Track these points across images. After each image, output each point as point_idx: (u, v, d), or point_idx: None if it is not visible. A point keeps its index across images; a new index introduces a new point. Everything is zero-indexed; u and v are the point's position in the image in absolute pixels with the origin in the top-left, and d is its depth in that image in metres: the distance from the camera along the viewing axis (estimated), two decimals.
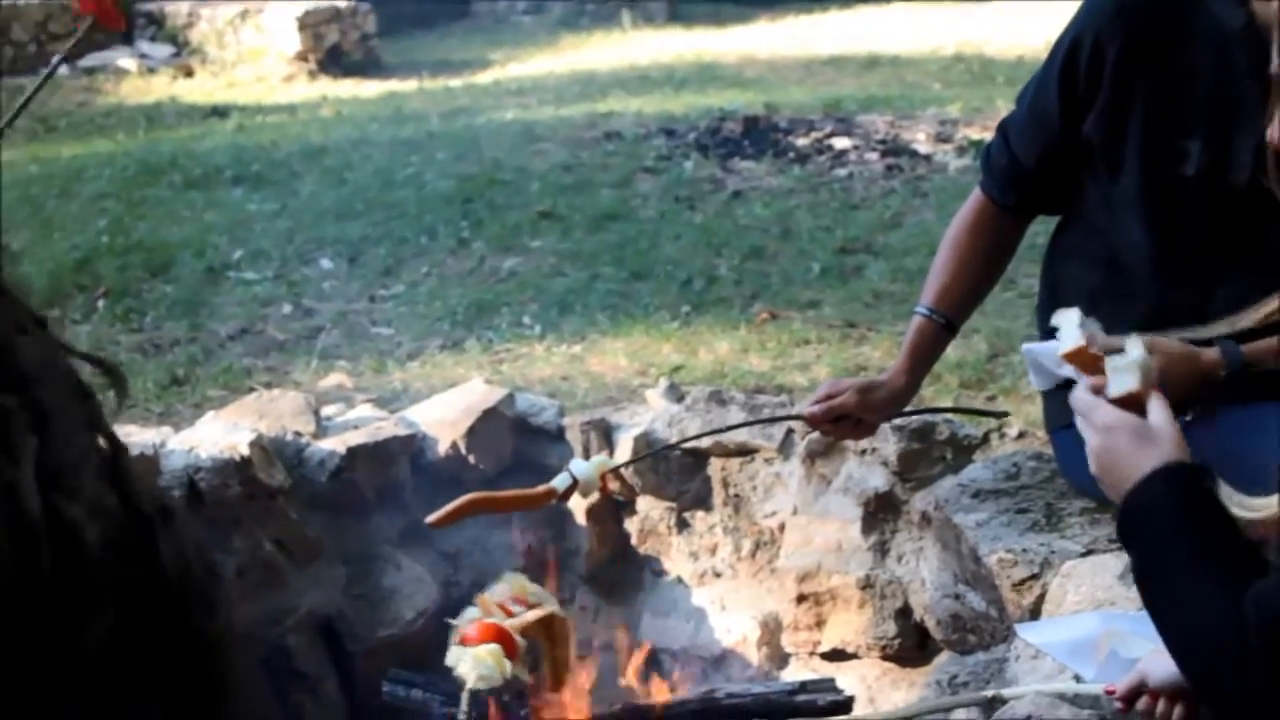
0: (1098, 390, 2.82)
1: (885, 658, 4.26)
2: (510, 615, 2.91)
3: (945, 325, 3.60)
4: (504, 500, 3.51)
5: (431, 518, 3.34)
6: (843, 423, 3.62)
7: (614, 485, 4.59)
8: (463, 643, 2.84)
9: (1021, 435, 4.62)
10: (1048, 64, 3.35)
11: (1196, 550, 1.99)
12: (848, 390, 3.58)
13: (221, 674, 1.03)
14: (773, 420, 4.37)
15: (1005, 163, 3.50)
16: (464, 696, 2.78)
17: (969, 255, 3.60)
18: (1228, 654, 1.89)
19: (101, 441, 0.98)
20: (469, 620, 2.93)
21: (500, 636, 2.81)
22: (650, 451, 4.40)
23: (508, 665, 2.80)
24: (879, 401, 3.60)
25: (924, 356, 3.64)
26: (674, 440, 4.46)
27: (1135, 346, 2.32)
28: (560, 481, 3.40)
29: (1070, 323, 2.78)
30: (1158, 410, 2.17)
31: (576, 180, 8.91)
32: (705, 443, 4.47)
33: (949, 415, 4.39)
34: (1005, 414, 4.44)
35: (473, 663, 2.76)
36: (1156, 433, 2.11)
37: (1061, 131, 3.32)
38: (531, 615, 2.94)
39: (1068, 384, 3.05)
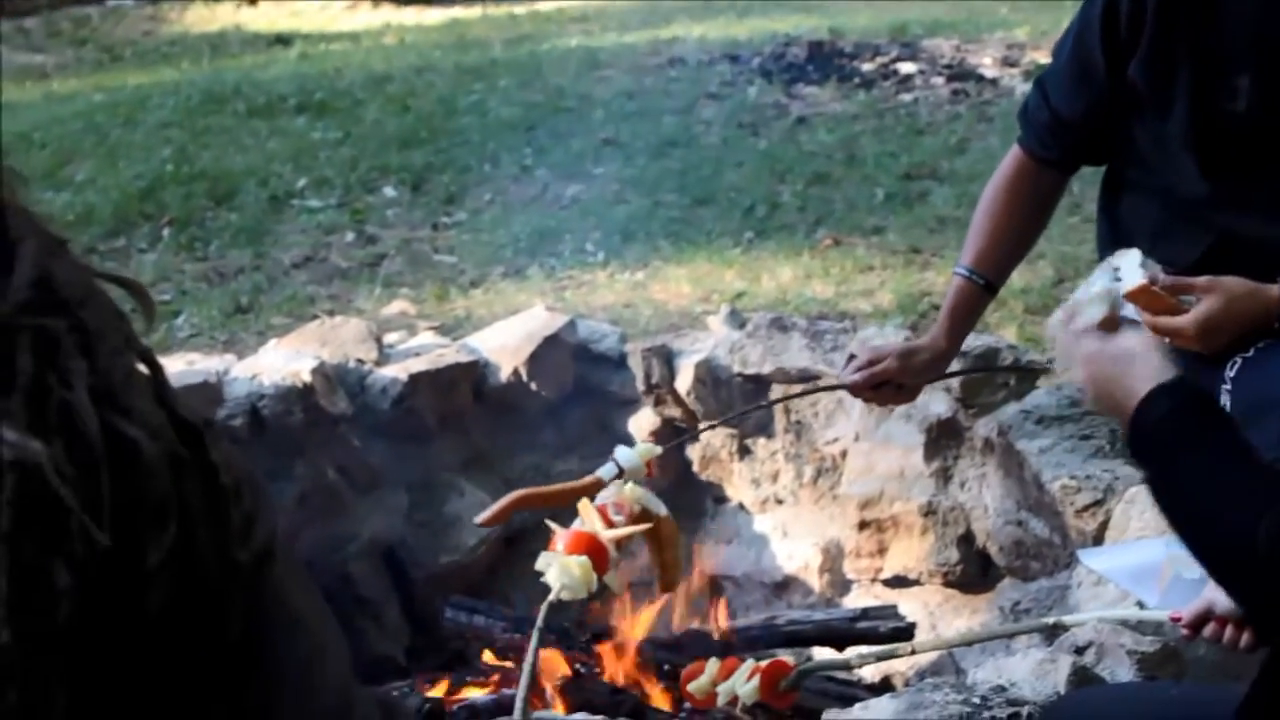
0: (1156, 330, 2.80)
1: (947, 584, 4.25)
2: (610, 525, 2.88)
3: (985, 286, 3.57)
4: (551, 495, 3.49)
5: (480, 517, 3.33)
6: (884, 389, 3.60)
7: (676, 413, 4.58)
8: (555, 549, 2.82)
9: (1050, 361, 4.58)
10: (1084, 13, 3.30)
11: (1209, 461, 1.98)
12: (888, 356, 3.55)
13: (278, 588, 1.03)
14: (814, 391, 4.34)
15: (1046, 117, 3.45)
16: (545, 604, 2.77)
17: (1008, 215, 3.55)
18: (1250, 562, 1.88)
19: (140, 362, 0.98)
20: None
21: (592, 548, 2.79)
22: (696, 430, 4.40)
23: (594, 579, 2.78)
24: (920, 366, 3.58)
25: (964, 318, 3.61)
26: (735, 370, 4.45)
27: (1102, 277, 2.30)
28: (606, 471, 3.38)
29: (1132, 262, 2.75)
30: (1130, 335, 2.15)
31: (639, 107, 8.86)
32: (767, 369, 4.45)
33: (1012, 343, 4.35)
34: (1048, 369, 4.38)
35: (559, 571, 2.75)
36: (1140, 354, 2.10)
37: (1106, 79, 3.26)
38: (630, 529, 2.92)
39: None
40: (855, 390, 3.60)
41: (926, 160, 7.61)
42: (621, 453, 3.44)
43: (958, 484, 4.16)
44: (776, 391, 4.49)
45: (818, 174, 7.46)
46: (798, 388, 4.37)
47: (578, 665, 3.56)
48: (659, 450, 3.63)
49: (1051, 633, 3.04)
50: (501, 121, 8.59)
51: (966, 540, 4.13)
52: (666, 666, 3.61)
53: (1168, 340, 2.95)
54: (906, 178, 7.36)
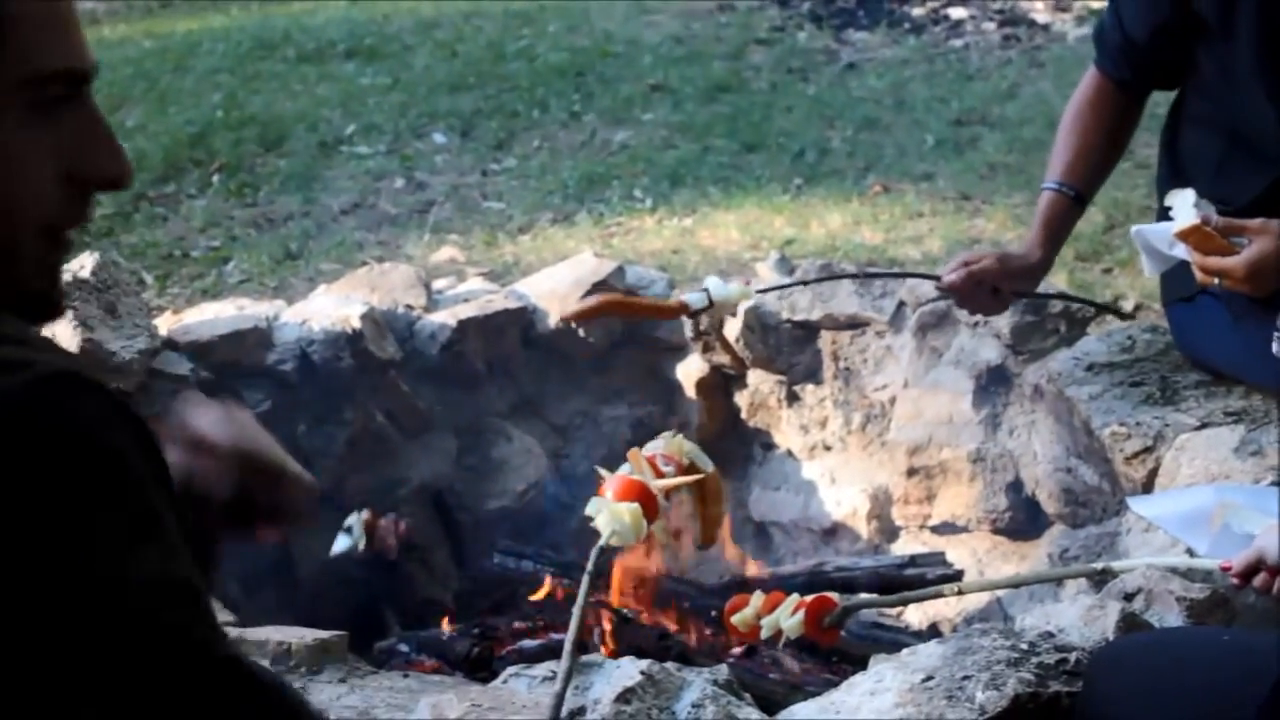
0: (1204, 270, 2.78)
1: (995, 531, 4.24)
2: (660, 475, 2.88)
3: (1075, 198, 3.54)
4: (638, 306, 3.48)
5: (568, 311, 3.32)
6: (979, 294, 3.57)
7: (724, 359, 4.57)
8: (604, 495, 2.82)
9: (1137, 309, 4.56)
10: None
11: None
12: (987, 258, 3.54)
13: None
14: (910, 276, 4.34)
15: (1118, 39, 3.43)
16: (595, 549, 2.77)
17: (1092, 130, 3.53)
18: None
19: None
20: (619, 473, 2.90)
21: (642, 496, 2.79)
22: (793, 282, 4.36)
23: (644, 526, 2.78)
24: (1017, 270, 3.55)
25: (1057, 230, 3.58)
26: (783, 316, 4.44)
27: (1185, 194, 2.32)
28: (696, 299, 3.37)
29: (1185, 202, 2.74)
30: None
31: (688, 52, 8.84)
32: (816, 315, 4.44)
33: (1063, 287, 4.33)
34: (1133, 316, 4.35)
35: (609, 518, 2.75)
36: None
37: (1172, 6, 3.23)
38: (679, 480, 2.92)
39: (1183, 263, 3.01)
40: (954, 288, 3.57)
41: (977, 106, 7.57)
42: (713, 282, 3.43)
43: (1006, 430, 4.14)
44: (825, 337, 4.49)
45: (867, 120, 7.43)
46: (855, 304, 4.37)
47: (625, 610, 3.57)
48: (752, 292, 3.61)
49: (1100, 578, 3.03)
50: (550, 67, 8.57)
51: (1015, 487, 4.11)
52: (713, 613, 3.62)
53: (1217, 281, 2.93)
54: (957, 124, 7.32)
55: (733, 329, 4.45)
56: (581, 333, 4.50)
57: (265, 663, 2.58)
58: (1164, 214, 3.03)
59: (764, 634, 2.95)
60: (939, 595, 3.24)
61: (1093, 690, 2.43)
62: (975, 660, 2.55)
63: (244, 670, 1.29)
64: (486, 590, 4.06)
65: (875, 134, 7.22)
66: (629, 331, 4.64)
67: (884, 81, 8.07)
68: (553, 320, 4.49)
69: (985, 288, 3.55)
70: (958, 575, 3.89)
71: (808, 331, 4.51)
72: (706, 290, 3.40)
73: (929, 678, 2.50)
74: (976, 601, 3.87)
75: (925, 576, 3.84)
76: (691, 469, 3.01)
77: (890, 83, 8.04)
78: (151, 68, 8.89)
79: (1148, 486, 3.40)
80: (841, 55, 8.69)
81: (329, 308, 4.29)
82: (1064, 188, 3.51)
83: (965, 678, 2.48)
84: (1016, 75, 8.10)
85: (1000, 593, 3.81)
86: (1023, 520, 4.16)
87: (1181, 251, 2.77)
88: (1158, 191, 3.61)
